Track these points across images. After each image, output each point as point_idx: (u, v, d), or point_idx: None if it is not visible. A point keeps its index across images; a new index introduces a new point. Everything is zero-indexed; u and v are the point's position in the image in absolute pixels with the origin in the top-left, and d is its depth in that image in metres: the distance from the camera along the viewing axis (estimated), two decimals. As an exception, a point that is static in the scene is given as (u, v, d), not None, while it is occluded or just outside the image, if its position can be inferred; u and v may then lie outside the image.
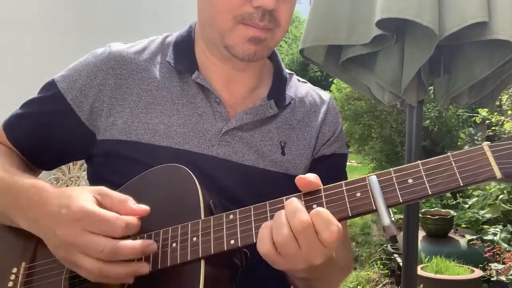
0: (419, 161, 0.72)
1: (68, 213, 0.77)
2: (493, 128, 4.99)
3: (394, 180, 0.72)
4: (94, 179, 1.04)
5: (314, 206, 0.74)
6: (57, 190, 0.84)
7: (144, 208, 0.79)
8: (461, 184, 0.69)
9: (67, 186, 3.01)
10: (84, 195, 0.79)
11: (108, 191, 0.81)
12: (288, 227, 0.70)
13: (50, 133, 0.99)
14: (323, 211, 0.71)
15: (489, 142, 0.71)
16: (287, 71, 1.12)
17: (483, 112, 4.87)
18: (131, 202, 0.79)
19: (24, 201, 0.86)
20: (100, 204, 0.79)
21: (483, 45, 1.64)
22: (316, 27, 1.78)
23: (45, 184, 0.87)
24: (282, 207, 0.76)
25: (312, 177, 0.76)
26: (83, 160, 1.06)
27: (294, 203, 0.72)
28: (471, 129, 6.71)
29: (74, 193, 0.81)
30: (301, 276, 0.80)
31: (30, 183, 0.87)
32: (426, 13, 1.50)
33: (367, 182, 0.73)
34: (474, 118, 5.05)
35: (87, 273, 0.77)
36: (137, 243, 0.75)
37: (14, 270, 0.90)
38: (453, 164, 0.70)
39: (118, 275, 0.76)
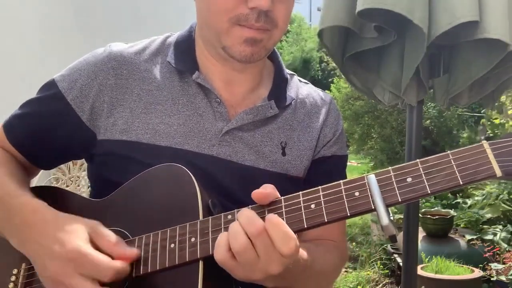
0: (418, 160, 0.72)
1: (62, 251, 0.78)
2: (489, 126, 4.99)
3: (393, 179, 0.72)
4: (94, 178, 1.04)
5: (312, 206, 0.74)
6: (52, 216, 0.85)
7: (135, 252, 0.80)
8: (461, 182, 0.69)
9: (67, 186, 3.00)
10: (79, 232, 0.80)
11: (102, 230, 0.82)
12: (245, 234, 0.72)
13: (50, 133, 0.99)
14: (277, 222, 0.72)
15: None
16: (288, 71, 1.12)
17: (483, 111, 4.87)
18: (122, 246, 0.80)
19: (17, 221, 0.86)
20: (93, 242, 0.80)
21: (481, 45, 1.64)
22: (333, 10, 1.76)
23: (40, 207, 0.87)
24: (280, 207, 0.76)
25: (269, 188, 0.77)
26: (83, 160, 1.06)
27: (246, 212, 0.74)
28: (473, 125, 6.70)
29: (70, 227, 0.81)
30: (270, 285, 0.80)
31: (25, 204, 0.88)
32: (417, 10, 1.50)
33: (366, 181, 0.73)
34: (481, 121, 5.05)
35: None
36: None
37: (15, 271, 0.91)
38: (453, 162, 0.70)
39: None
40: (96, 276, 0.76)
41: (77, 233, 0.80)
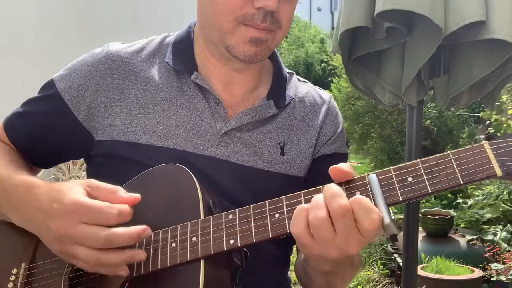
0: (418, 160, 0.72)
1: (60, 207, 0.78)
2: (490, 126, 4.99)
3: (394, 179, 0.72)
4: (93, 179, 1.04)
5: None
6: (46, 185, 0.85)
7: (135, 196, 0.79)
8: (461, 182, 0.69)
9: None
10: (74, 188, 0.80)
11: (97, 183, 0.81)
12: (326, 210, 0.68)
13: (48, 132, 0.99)
14: (362, 199, 0.69)
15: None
16: (287, 70, 1.12)
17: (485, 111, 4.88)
18: (121, 192, 0.80)
19: (15, 198, 0.87)
20: (91, 196, 0.79)
21: (483, 45, 1.64)
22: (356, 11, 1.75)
23: (34, 181, 0.87)
24: (282, 207, 0.76)
25: (347, 167, 0.74)
26: (83, 160, 1.07)
27: (333, 187, 0.70)
28: (473, 125, 6.70)
29: (64, 187, 0.81)
30: (326, 268, 0.78)
31: (20, 180, 0.88)
32: (437, 11, 1.50)
33: (367, 180, 0.73)
34: (480, 115, 5.05)
35: (83, 263, 0.78)
36: (130, 229, 0.75)
37: (14, 270, 0.90)
38: (453, 162, 0.70)
39: (114, 262, 0.76)
40: (99, 221, 0.75)
41: (72, 190, 0.80)
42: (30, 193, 0.85)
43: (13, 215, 0.88)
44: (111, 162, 0.96)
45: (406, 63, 1.77)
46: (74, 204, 0.77)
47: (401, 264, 2.93)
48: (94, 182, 0.82)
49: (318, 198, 0.70)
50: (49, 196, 0.81)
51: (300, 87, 1.11)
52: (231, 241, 0.76)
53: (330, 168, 0.73)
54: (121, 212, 0.76)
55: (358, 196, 0.70)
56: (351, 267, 0.88)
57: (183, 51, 1.02)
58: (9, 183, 0.89)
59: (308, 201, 0.74)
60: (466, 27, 1.51)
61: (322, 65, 18.26)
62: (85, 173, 1.15)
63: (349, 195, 0.73)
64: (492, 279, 3.60)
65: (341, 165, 0.74)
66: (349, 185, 0.74)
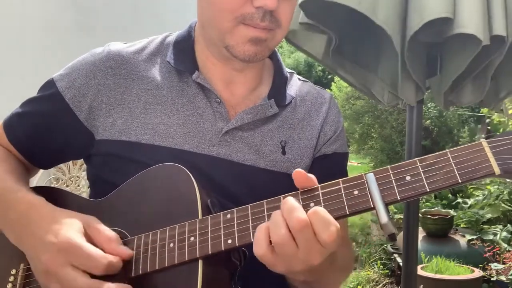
0: (416, 158, 0.72)
1: (55, 242, 0.78)
2: (489, 125, 4.99)
3: (392, 177, 0.72)
4: (93, 179, 1.04)
5: (312, 204, 0.74)
6: (48, 211, 0.85)
7: (129, 252, 0.80)
8: (459, 180, 0.69)
9: (67, 186, 3.00)
10: (73, 225, 0.81)
11: (97, 225, 0.82)
12: (286, 226, 0.70)
13: (48, 132, 0.99)
14: (320, 210, 0.70)
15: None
16: (288, 70, 1.12)
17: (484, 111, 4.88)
18: (117, 242, 0.80)
19: (13, 216, 0.87)
20: (87, 236, 0.80)
21: (460, 41, 1.61)
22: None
23: (36, 202, 0.88)
24: (279, 206, 0.75)
25: (310, 174, 0.75)
26: (83, 160, 1.06)
27: (290, 201, 0.71)
28: (473, 125, 6.69)
29: (64, 219, 0.82)
30: (301, 279, 0.79)
31: (22, 198, 0.88)
32: (380, 11, 1.47)
33: (365, 179, 0.73)
34: (481, 112, 5.05)
35: None
36: (114, 286, 0.76)
37: (13, 271, 0.91)
38: (451, 160, 0.70)
39: None
40: (87, 267, 0.76)
41: (71, 225, 0.80)
42: (29, 214, 0.85)
43: (8, 231, 0.88)
44: (111, 161, 0.96)
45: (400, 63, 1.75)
46: (68, 243, 0.78)
47: (401, 264, 2.93)
48: (94, 221, 0.83)
49: (277, 215, 0.71)
50: (48, 226, 0.81)
51: (300, 87, 1.11)
52: (229, 241, 0.76)
53: (294, 172, 0.75)
54: (110, 264, 0.77)
55: (315, 208, 0.71)
56: (334, 271, 0.88)
57: (184, 51, 1.02)
58: (10, 197, 0.89)
59: (305, 200, 0.74)
60: (446, 24, 1.49)
61: (323, 65, 18.25)
62: (85, 173, 1.15)
63: (347, 194, 0.73)
64: (492, 279, 3.61)
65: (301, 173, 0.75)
66: (347, 184, 0.74)
